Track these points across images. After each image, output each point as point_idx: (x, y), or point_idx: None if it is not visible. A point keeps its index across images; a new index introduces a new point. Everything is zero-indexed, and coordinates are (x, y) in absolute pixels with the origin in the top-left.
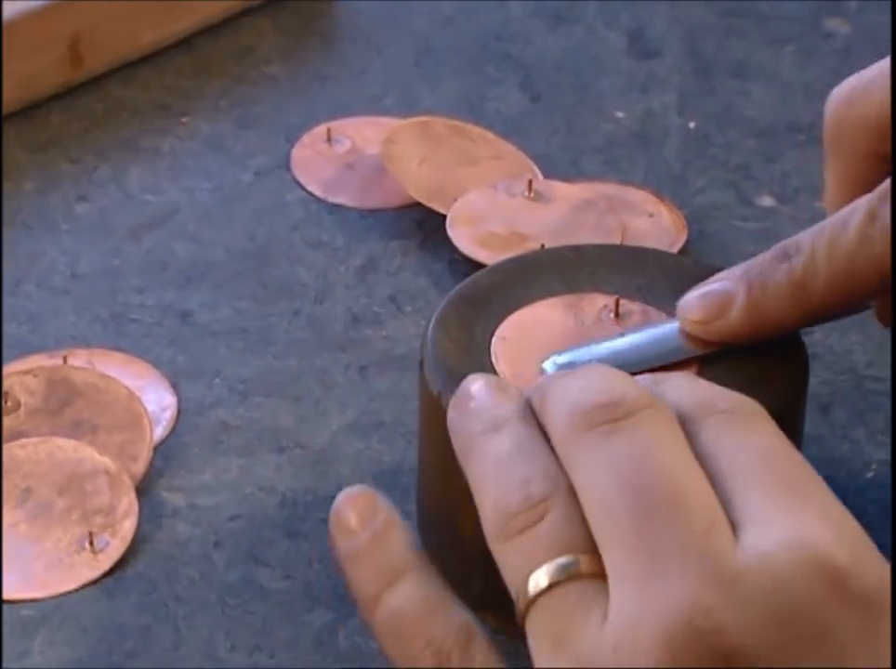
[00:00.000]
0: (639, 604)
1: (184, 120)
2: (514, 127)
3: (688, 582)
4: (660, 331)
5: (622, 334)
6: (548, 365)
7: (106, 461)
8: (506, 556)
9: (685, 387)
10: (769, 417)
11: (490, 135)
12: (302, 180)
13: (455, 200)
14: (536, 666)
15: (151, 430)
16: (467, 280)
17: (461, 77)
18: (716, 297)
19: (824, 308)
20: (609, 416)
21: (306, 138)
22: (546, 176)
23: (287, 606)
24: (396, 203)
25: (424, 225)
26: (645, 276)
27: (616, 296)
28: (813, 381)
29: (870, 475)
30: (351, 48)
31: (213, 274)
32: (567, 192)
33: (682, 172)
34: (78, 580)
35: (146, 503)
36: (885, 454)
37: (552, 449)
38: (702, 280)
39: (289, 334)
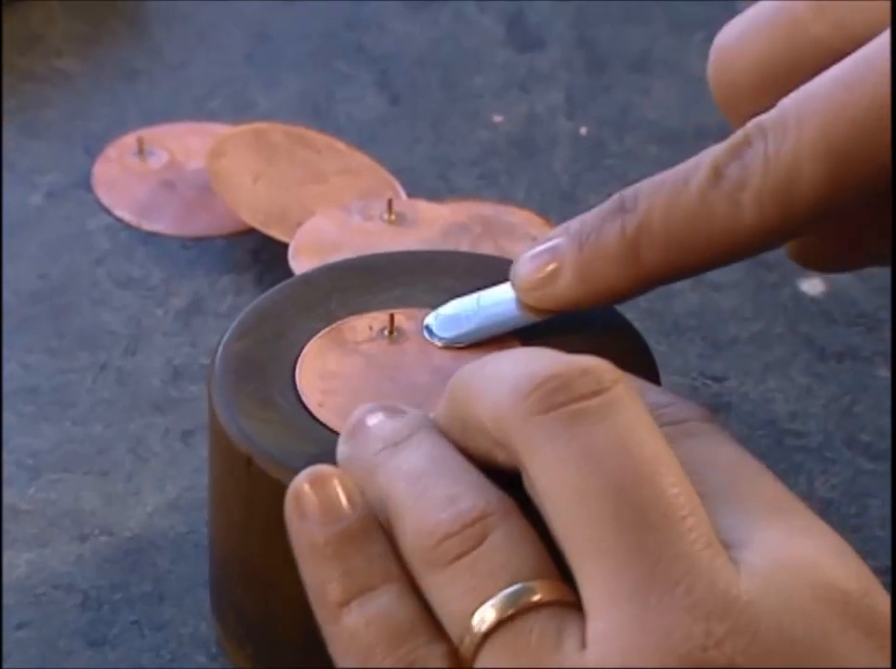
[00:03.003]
0: (636, 631)
1: None
2: (370, 135)
3: (695, 607)
4: (500, 294)
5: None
6: (431, 319)
7: None
8: (439, 589)
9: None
10: (721, 427)
11: (340, 145)
12: (107, 203)
13: (299, 225)
14: None
15: None
16: (221, 349)
17: (304, 73)
18: (546, 258)
19: (657, 276)
20: (571, 394)
21: (111, 151)
22: (410, 194)
23: None
24: (226, 229)
25: (261, 256)
26: (396, 283)
27: (390, 312)
28: None
29: None
30: (167, 36)
31: None
32: (435, 214)
33: (572, 188)
34: None
35: None
36: None
37: (471, 461)
38: (439, 269)
39: (93, 395)
